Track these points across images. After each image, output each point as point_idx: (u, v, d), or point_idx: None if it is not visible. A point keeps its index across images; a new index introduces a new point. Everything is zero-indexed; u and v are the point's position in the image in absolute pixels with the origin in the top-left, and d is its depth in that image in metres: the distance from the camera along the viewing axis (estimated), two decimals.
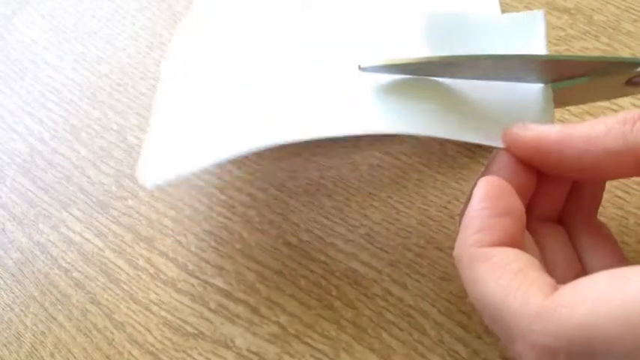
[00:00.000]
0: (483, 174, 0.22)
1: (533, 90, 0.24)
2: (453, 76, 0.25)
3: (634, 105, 0.30)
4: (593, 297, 0.16)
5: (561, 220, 0.23)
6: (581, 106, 0.30)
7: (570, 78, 0.24)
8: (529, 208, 0.22)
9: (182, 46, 0.30)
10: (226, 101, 0.26)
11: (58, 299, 0.29)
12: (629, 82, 0.23)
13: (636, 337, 0.15)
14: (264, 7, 0.31)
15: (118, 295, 0.28)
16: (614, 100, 0.30)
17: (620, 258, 0.22)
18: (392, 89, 0.25)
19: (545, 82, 0.24)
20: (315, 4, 0.33)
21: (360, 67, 0.24)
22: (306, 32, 0.29)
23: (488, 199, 0.20)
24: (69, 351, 0.27)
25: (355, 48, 0.27)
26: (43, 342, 0.28)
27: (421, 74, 0.25)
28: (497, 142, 0.22)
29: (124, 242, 0.30)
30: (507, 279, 0.18)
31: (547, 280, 0.18)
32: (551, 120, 0.24)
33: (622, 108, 0.30)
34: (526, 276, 0.18)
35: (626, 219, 0.27)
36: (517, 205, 0.20)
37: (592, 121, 0.19)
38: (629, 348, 0.15)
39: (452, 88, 0.25)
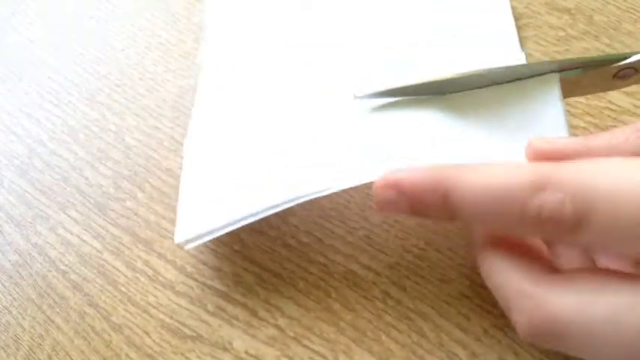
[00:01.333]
0: None
1: (538, 83, 0.25)
2: (450, 92, 0.26)
3: (633, 105, 0.30)
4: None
5: None
6: (580, 107, 0.30)
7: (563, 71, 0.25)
8: None
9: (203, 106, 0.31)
10: (250, 160, 0.27)
11: (55, 302, 0.28)
12: (617, 76, 0.25)
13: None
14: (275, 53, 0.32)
15: (115, 297, 0.28)
16: (613, 101, 0.30)
17: (636, 262, 0.22)
18: (400, 123, 0.26)
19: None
20: (315, 5, 0.33)
21: (355, 96, 0.26)
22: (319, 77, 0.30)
23: None
24: (66, 354, 0.27)
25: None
26: (40, 345, 0.27)
27: (417, 94, 0.26)
28: (517, 157, 0.22)
29: (122, 244, 0.30)
30: (506, 168, 0.19)
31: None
32: (563, 109, 0.24)
33: (620, 107, 0.30)
34: (519, 164, 0.19)
35: None
36: None
37: (612, 131, 0.20)
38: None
39: (457, 105, 0.26)
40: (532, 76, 0.25)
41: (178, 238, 0.26)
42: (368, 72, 0.29)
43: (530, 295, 0.19)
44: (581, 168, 0.18)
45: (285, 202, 0.25)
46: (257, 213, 0.25)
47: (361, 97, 0.26)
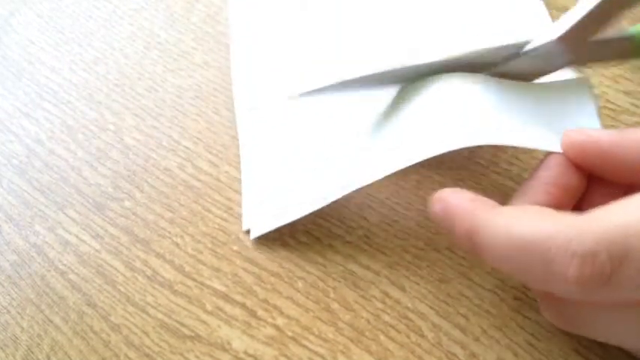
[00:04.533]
0: (533, 175, 0.23)
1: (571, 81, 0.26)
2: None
3: (632, 104, 0.30)
4: (628, 204, 0.17)
5: None
6: None
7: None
8: (579, 209, 0.23)
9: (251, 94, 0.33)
10: (310, 149, 0.30)
11: (54, 301, 0.28)
12: None
13: None
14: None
15: (114, 297, 0.28)
16: (612, 100, 0.30)
17: None
18: (445, 103, 0.26)
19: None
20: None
21: (297, 95, 0.27)
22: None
23: (543, 169, 0.22)
24: (65, 353, 0.27)
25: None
26: (39, 344, 0.27)
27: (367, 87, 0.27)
28: (552, 147, 0.23)
29: (121, 244, 0.30)
30: (533, 217, 0.19)
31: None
32: (595, 104, 0.25)
33: (619, 107, 0.30)
34: (551, 213, 0.19)
35: None
36: (570, 179, 0.21)
37: None
38: None
39: (494, 90, 0.26)
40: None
41: (246, 225, 0.29)
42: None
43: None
44: (605, 223, 0.17)
45: (344, 188, 0.26)
46: (320, 200, 0.27)
47: (302, 95, 0.27)
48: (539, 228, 0.18)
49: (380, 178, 0.25)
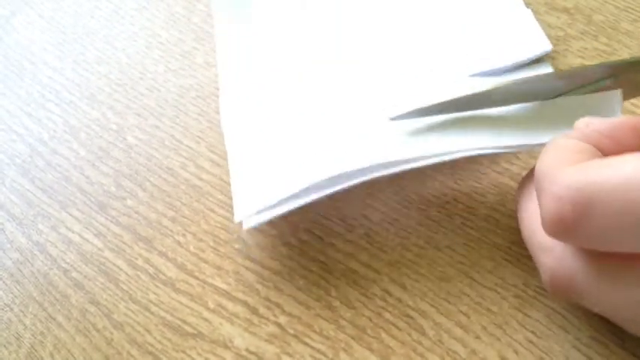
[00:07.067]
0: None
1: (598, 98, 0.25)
2: (481, 108, 0.26)
3: (632, 104, 0.30)
4: (615, 164, 0.17)
5: None
6: None
7: (596, 82, 0.25)
8: None
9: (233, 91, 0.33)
10: (297, 134, 0.29)
11: (57, 299, 0.29)
12: None
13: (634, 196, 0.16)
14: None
15: (117, 295, 0.28)
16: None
17: None
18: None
19: (569, 91, 0.25)
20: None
21: (390, 118, 0.26)
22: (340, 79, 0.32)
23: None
24: (68, 351, 0.27)
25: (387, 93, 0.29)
26: (42, 342, 0.28)
27: (451, 112, 0.26)
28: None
29: (123, 242, 0.30)
30: (564, 155, 0.20)
31: None
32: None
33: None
34: (581, 157, 0.19)
35: None
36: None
37: None
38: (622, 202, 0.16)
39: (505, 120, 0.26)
40: (574, 89, 0.25)
41: (238, 216, 0.27)
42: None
43: (551, 250, 0.20)
44: (583, 174, 0.18)
45: (338, 179, 0.25)
46: (310, 190, 0.26)
47: (395, 119, 0.26)
48: (549, 163, 0.19)
49: (376, 175, 0.25)
